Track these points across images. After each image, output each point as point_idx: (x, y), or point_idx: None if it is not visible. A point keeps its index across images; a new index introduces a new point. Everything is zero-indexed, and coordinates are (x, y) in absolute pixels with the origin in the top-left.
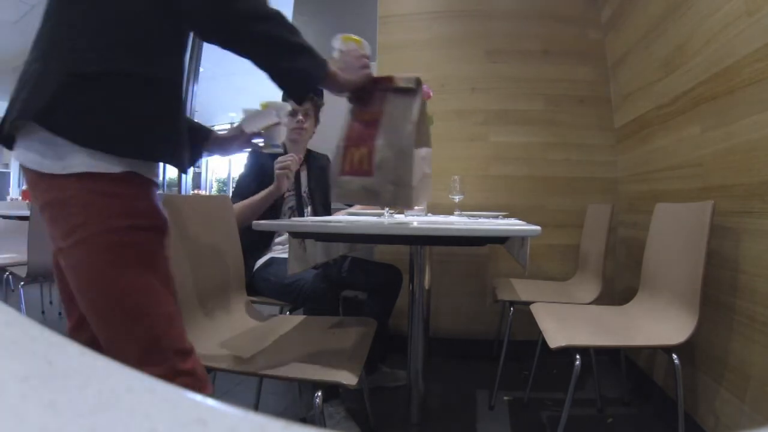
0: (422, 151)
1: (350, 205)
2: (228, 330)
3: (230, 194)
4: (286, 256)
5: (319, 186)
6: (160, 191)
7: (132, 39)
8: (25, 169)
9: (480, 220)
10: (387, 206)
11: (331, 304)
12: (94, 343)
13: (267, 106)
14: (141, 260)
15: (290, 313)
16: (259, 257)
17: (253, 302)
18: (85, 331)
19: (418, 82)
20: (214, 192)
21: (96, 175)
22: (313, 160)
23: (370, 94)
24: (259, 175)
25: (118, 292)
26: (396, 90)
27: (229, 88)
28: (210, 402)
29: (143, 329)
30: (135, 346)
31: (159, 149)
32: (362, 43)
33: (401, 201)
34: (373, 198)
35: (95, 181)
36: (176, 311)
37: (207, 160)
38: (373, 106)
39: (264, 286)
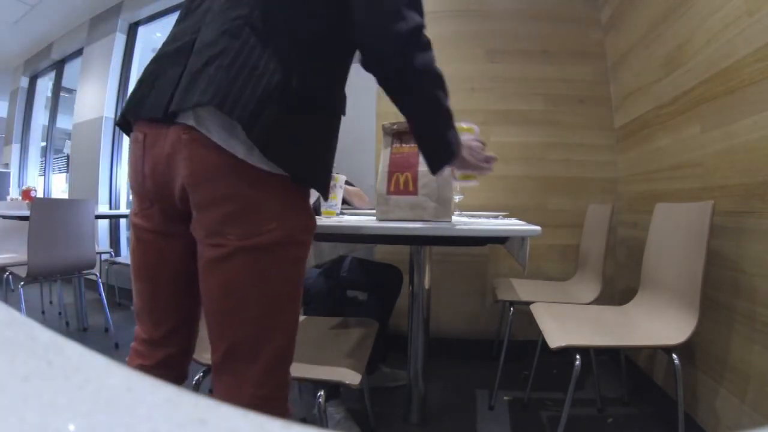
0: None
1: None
2: None
3: None
4: None
5: None
6: None
7: (335, 79)
8: (208, 147)
9: (480, 220)
10: (429, 220)
11: (335, 303)
12: (176, 357)
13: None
14: (299, 274)
15: None
16: None
17: None
18: (172, 344)
19: None
20: None
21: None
22: None
23: (409, 134)
24: None
25: (280, 299)
26: None
27: None
28: (210, 402)
29: (285, 338)
30: (271, 352)
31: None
32: (474, 130)
33: (442, 215)
34: (417, 213)
35: (294, 189)
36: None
37: None
38: (411, 141)
39: None
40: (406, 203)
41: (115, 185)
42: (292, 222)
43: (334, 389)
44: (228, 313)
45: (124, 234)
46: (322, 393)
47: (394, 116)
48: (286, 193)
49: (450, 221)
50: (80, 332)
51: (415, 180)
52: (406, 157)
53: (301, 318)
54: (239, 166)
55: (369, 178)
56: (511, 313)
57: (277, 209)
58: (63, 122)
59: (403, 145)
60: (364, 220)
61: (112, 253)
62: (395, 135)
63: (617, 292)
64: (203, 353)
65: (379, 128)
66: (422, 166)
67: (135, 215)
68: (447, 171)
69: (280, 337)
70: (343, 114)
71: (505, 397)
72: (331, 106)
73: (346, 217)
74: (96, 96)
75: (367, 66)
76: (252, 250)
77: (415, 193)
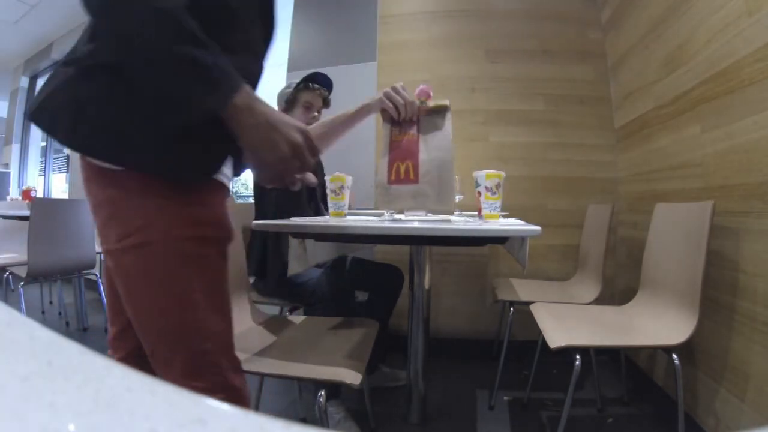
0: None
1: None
2: None
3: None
4: None
5: (320, 184)
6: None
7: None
8: (81, 161)
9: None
10: (432, 208)
11: (340, 304)
12: (134, 354)
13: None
14: (198, 273)
15: (290, 314)
16: None
17: (255, 302)
18: (127, 340)
19: (447, 105)
20: None
21: (156, 175)
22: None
23: (408, 121)
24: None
25: (170, 303)
26: (428, 112)
27: None
28: (210, 402)
29: (190, 342)
30: (180, 359)
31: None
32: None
33: (444, 202)
34: (419, 202)
35: (156, 182)
36: (228, 326)
37: None
38: (411, 129)
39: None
40: (407, 192)
41: None
42: (165, 217)
43: (335, 389)
44: (134, 321)
45: None
46: (322, 393)
47: None
48: (151, 187)
49: (451, 208)
50: (80, 332)
51: (416, 168)
52: (407, 145)
53: (301, 318)
54: (99, 171)
55: (369, 177)
56: (511, 313)
57: (142, 206)
58: None
59: (402, 133)
60: (364, 220)
61: None
62: (394, 123)
63: (617, 292)
64: None
65: (380, 128)
66: (422, 154)
67: None
68: (447, 154)
69: (189, 344)
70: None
71: (505, 397)
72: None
73: (349, 218)
74: None
75: None
76: (127, 252)
77: (416, 181)
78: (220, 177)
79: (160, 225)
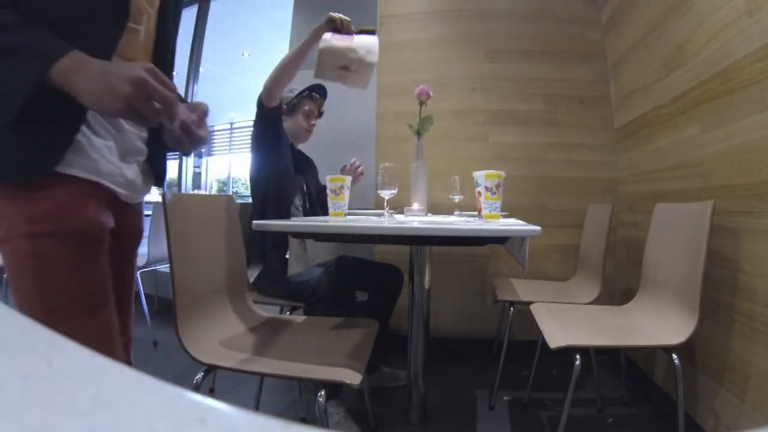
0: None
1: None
2: (230, 329)
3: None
4: None
5: (315, 185)
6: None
7: None
8: None
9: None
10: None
11: (344, 304)
12: None
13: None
14: (38, 270)
15: (290, 314)
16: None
17: (255, 302)
18: None
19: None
20: (214, 192)
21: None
22: (305, 161)
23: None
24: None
25: (23, 303)
26: (359, 31)
27: (229, 88)
28: (210, 402)
29: None
30: None
31: None
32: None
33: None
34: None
35: (3, 185)
36: (94, 328)
37: (207, 160)
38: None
39: (284, 287)
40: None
41: None
42: (12, 216)
43: (335, 389)
44: None
45: None
46: (322, 393)
47: (394, 116)
48: (2, 191)
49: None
50: None
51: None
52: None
53: (301, 318)
54: None
55: (369, 177)
56: (511, 313)
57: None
58: None
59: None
60: (364, 220)
61: None
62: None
63: (617, 292)
64: (203, 353)
65: (379, 129)
66: (356, 44)
67: None
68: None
69: None
70: None
71: (505, 397)
72: None
73: (349, 217)
74: None
75: None
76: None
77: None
78: (73, 171)
79: (5, 225)
